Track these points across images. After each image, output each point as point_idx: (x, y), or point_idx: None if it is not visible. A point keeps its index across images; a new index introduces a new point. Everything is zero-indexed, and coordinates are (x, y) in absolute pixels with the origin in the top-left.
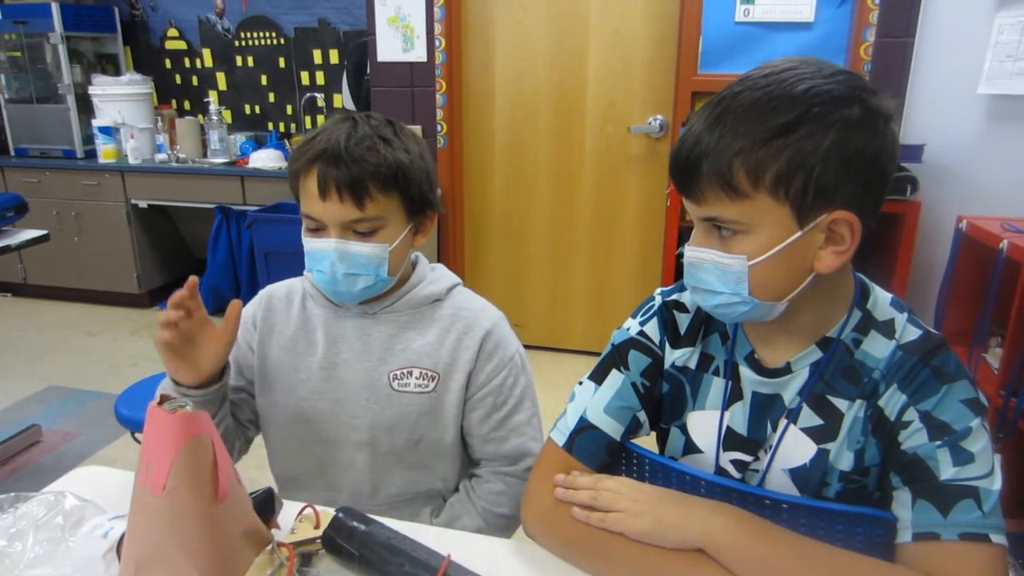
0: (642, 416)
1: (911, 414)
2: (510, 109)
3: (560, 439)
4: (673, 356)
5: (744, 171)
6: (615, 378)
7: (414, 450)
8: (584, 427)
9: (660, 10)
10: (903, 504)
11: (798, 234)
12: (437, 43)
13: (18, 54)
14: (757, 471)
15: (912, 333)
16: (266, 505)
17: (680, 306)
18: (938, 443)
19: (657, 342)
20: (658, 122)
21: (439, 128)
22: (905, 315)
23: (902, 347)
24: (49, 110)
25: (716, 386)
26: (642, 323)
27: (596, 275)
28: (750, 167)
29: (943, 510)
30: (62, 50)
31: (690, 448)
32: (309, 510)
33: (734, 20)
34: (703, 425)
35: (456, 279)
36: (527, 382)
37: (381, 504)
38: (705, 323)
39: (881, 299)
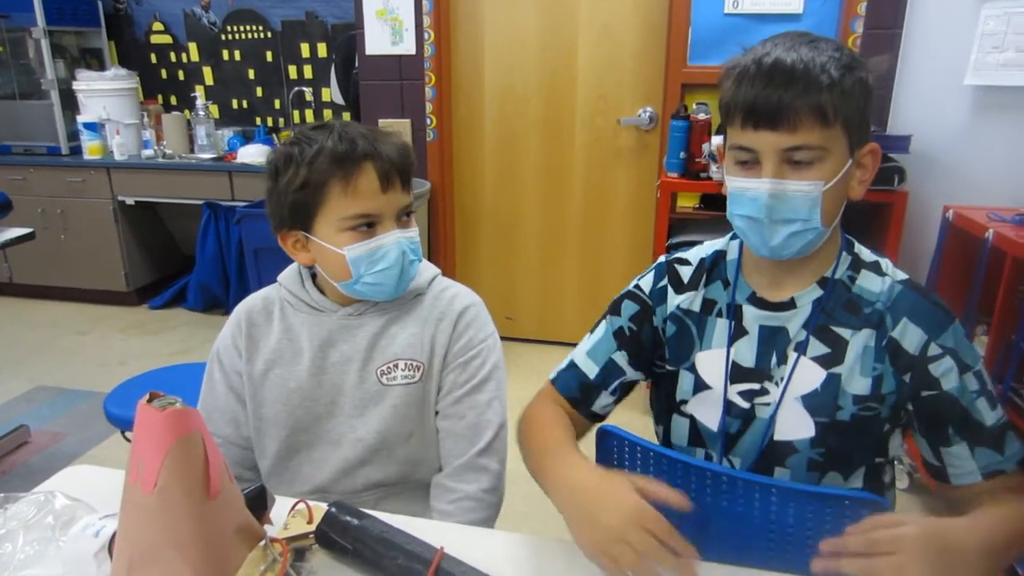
0: (620, 358)
1: (935, 349)
2: (500, 102)
3: (552, 375)
4: (677, 300)
5: (832, 106)
6: (602, 326)
7: (406, 444)
8: (568, 367)
9: (649, 2)
10: (962, 456)
11: (850, 163)
12: (426, 36)
13: (0, 49)
14: (769, 404)
15: (900, 274)
16: (258, 501)
17: (681, 261)
18: (973, 392)
19: (647, 292)
20: (648, 114)
21: (428, 122)
22: (887, 260)
23: (901, 283)
24: (32, 106)
25: (720, 327)
26: (639, 279)
27: (587, 267)
28: (836, 104)
29: (999, 450)
30: (45, 45)
31: (700, 386)
32: (302, 505)
33: (723, 11)
34: (711, 363)
35: (436, 269)
36: (495, 364)
37: (372, 496)
38: (707, 272)
39: (862, 247)
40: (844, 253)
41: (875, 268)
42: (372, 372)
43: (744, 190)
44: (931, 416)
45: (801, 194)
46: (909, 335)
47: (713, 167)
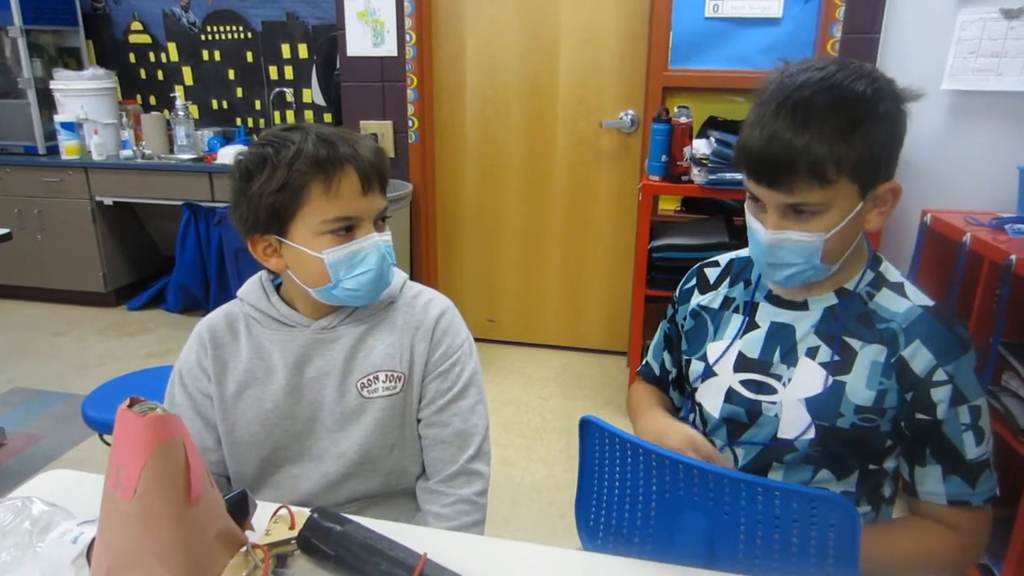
0: (667, 359)
1: (940, 375)
2: (482, 104)
3: (639, 368)
4: (699, 299)
5: (833, 164)
6: (660, 328)
7: (388, 456)
8: (645, 364)
9: (630, 6)
10: (934, 477)
11: (860, 205)
12: (408, 37)
13: None
14: (775, 402)
15: (925, 299)
16: (240, 507)
17: (712, 263)
18: (963, 425)
19: (677, 294)
20: (629, 117)
21: (410, 124)
22: (912, 284)
23: (923, 307)
24: (9, 105)
25: (735, 320)
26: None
27: (569, 270)
28: (839, 159)
29: (971, 483)
30: (22, 44)
31: (707, 374)
32: (284, 511)
33: (703, 16)
34: (719, 352)
35: (404, 275)
36: (474, 369)
37: (352, 508)
38: (733, 275)
39: (889, 266)
40: (868, 270)
41: (898, 289)
42: (352, 386)
43: (753, 231)
44: (916, 436)
45: (801, 244)
46: (919, 357)
47: (695, 170)
